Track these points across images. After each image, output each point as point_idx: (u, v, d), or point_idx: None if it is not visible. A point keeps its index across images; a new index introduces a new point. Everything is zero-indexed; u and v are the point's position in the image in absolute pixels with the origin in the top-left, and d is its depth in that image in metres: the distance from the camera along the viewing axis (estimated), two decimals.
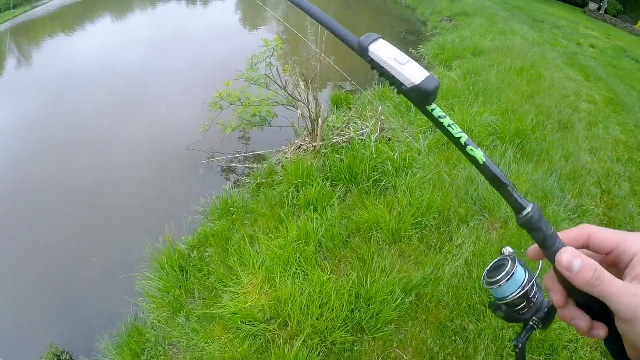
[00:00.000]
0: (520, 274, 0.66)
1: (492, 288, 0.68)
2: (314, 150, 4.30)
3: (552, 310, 0.68)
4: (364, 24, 12.60)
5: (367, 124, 4.62)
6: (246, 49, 5.52)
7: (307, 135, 4.48)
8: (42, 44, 11.92)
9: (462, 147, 0.63)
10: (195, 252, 3.53)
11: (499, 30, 10.32)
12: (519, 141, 4.65)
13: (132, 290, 3.50)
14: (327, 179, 4.03)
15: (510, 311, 0.69)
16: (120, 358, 3.11)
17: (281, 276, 3.11)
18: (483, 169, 0.63)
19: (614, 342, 0.56)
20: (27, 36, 12.70)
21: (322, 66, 4.52)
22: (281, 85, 4.49)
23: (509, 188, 0.61)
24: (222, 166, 5.10)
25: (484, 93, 5.96)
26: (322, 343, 2.75)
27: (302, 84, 4.72)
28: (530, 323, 0.69)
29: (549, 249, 0.58)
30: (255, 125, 5.11)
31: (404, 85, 0.62)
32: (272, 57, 5.02)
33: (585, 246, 0.57)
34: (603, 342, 0.59)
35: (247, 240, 3.48)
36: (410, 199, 3.70)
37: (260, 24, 12.51)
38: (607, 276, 0.51)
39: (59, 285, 3.99)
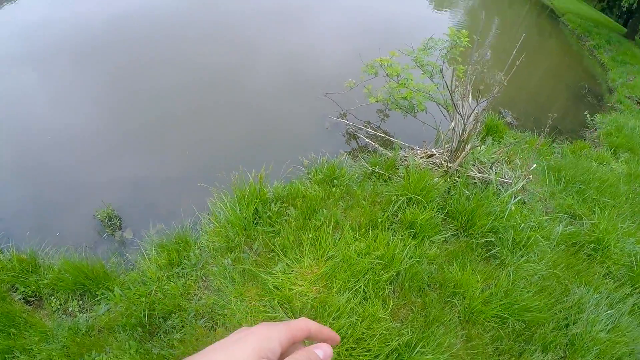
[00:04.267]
0: None
1: None
2: (446, 171, 3.82)
3: None
4: (548, 62, 11.39)
5: (512, 174, 4.05)
6: (423, 28, 5.02)
7: (447, 151, 3.98)
8: None
9: None
10: (278, 204, 3.27)
11: None
12: None
13: (204, 203, 3.37)
14: (442, 210, 3.58)
15: None
16: (156, 257, 3.01)
17: (341, 285, 2.79)
18: None
19: None
20: None
21: (500, 91, 3.96)
22: (449, 87, 3.97)
23: None
24: (349, 130, 4.74)
25: None
26: None
27: (470, 97, 4.18)
28: None
29: None
30: (401, 109, 4.68)
31: None
32: (451, 50, 4.51)
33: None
34: None
35: (330, 223, 3.16)
36: (510, 287, 3.18)
37: (454, 6, 11.66)
38: None
39: (150, 165, 4.02)
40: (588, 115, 8.20)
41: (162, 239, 3.13)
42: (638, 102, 10.93)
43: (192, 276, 2.90)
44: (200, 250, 3.10)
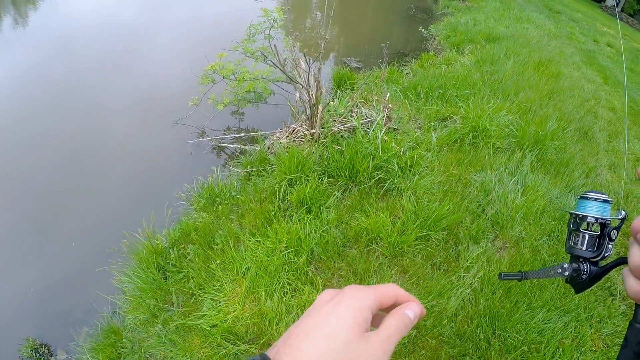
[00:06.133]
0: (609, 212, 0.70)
1: (588, 198, 0.72)
2: (311, 138, 3.84)
3: (602, 273, 0.71)
4: (371, 1, 11.93)
5: (372, 112, 4.17)
6: (246, 14, 5.01)
7: (305, 121, 4.01)
8: (38, 3, 11.04)
9: None
10: (175, 249, 3.11)
11: (515, 17, 9.84)
12: (538, 149, 4.23)
13: (110, 285, 3.13)
14: (324, 174, 3.60)
15: (581, 234, 0.72)
16: None
17: (267, 290, 2.73)
18: None
19: None
20: None
21: (326, 42, 4.04)
22: (279, 64, 3.98)
23: None
24: (213, 145, 4.62)
25: (501, 87, 5.52)
26: None
27: (302, 63, 4.23)
28: (579, 263, 0.72)
29: None
30: (250, 102, 4.65)
31: None
32: (271, 29, 4.54)
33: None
34: None
35: (231, 241, 3.07)
36: (417, 207, 3.30)
37: None
38: None
39: (36, 273, 3.59)
40: (423, 30, 8.69)
41: (92, 342, 2.88)
42: (462, 0, 11.82)
43: None
44: (132, 332, 2.89)
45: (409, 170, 3.68)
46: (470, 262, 2.99)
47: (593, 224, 0.71)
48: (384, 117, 4.05)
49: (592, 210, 0.70)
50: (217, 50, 4.60)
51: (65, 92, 5.78)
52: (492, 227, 3.37)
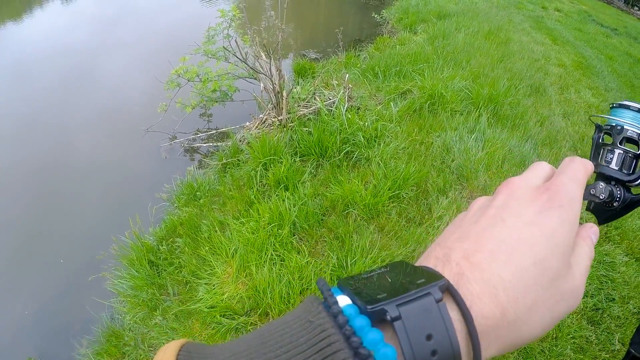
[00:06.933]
0: None
1: (630, 107, 0.59)
2: (280, 124, 4.04)
3: (636, 203, 0.58)
4: None
5: (335, 93, 4.39)
6: (203, 19, 5.16)
7: (272, 109, 4.20)
8: None
9: None
10: (164, 244, 3.27)
11: None
12: (492, 106, 4.51)
13: (105, 291, 3.25)
14: (296, 155, 3.80)
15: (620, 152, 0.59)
16: None
17: (257, 263, 2.90)
18: None
19: None
20: None
21: (284, 35, 4.23)
22: (241, 57, 4.17)
23: None
24: (186, 147, 4.77)
25: (453, 57, 5.79)
26: None
27: (263, 55, 4.43)
28: (612, 187, 0.58)
29: None
30: (217, 102, 4.81)
31: None
32: (229, 29, 4.71)
33: None
34: None
35: (217, 227, 3.23)
36: (386, 171, 3.52)
37: None
38: None
39: (27, 296, 3.65)
40: (376, 15, 8.96)
41: (95, 347, 2.99)
42: None
43: (141, 356, 2.82)
44: (132, 331, 3.02)
45: (375, 141, 3.89)
46: (442, 212, 3.22)
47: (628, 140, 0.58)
48: (345, 96, 4.26)
49: (634, 122, 0.58)
50: (180, 57, 4.74)
51: (29, 116, 5.84)
52: (459, 179, 3.62)
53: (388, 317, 0.29)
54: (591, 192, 0.56)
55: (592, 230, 0.41)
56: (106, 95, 6.27)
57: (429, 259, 0.37)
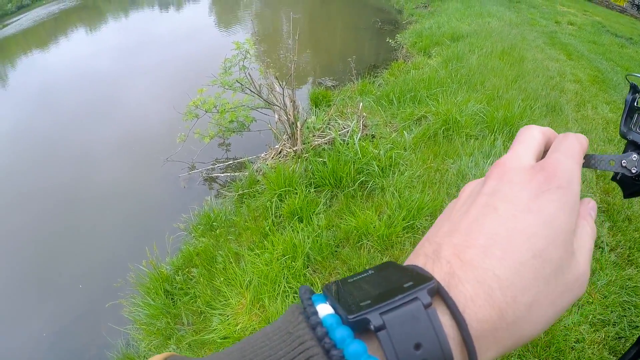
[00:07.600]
0: None
1: None
2: (295, 155, 4.10)
3: None
4: (339, 18, 12.42)
5: (349, 122, 4.44)
6: (221, 49, 5.30)
7: (287, 140, 4.28)
8: (16, 62, 11.46)
9: None
10: (180, 274, 3.34)
11: (476, 14, 10.21)
12: (507, 129, 4.49)
13: (121, 318, 3.32)
14: (311, 186, 3.84)
15: None
16: None
17: (270, 296, 2.94)
18: None
19: None
20: (1, 55, 12.24)
21: (300, 63, 4.33)
22: (255, 90, 4.27)
23: None
24: (204, 176, 4.88)
25: (468, 80, 5.81)
26: None
27: (277, 86, 4.53)
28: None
29: None
30: (234, 132, 4.92)
31: None
32: (245, 60, 4.82)
33: None
34: None
35: (232, 259, 3.29)
36: (400, 200, 3.53)
37: (235, 23, 12.23)
38: None
39: (46, 319, 3.77)
40: (391, 40, 9.05)
41: None
42: (424, 6, 12.29)
43: None
44: (146, 358, 3.07)
45: (389, 169, 3.92)
46: None
47: None
48: (359, 124, 4.32)
49: None
50: (197, 87, 4.87)
51: (53, 143, 6.09)
52: None
53: (371, 327, 0.27)
54: (622, 163, 0.47)
55: (590, 205, 0.38)
56: (127, 124, 6.48)
57: (419, 257, 0.34)
